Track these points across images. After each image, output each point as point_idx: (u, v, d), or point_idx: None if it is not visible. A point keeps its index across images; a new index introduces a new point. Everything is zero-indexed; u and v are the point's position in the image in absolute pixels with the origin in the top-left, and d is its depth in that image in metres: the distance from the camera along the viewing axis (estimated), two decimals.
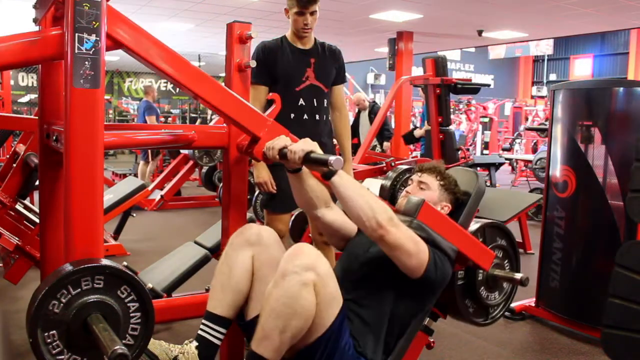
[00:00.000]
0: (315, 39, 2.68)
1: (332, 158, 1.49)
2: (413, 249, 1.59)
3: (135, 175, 7.74)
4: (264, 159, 1.69)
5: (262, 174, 2.59)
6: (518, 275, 1.93)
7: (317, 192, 1.78)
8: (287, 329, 1.44)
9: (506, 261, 2.03)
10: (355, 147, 5.50)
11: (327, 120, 2.73)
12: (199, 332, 1.60)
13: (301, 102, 2.60)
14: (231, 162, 1.81)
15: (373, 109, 6.87)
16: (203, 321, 1.61)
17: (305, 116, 2.61)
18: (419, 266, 1.61)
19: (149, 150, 7.09)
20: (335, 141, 2.87)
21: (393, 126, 9.75)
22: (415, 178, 1.95)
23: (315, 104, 2.63)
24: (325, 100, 2.68)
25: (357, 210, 1.55)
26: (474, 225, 1.96)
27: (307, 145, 1.57)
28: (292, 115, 2.58)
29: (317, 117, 2.64)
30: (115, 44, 1.45)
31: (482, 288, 1.95)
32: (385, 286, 1.69)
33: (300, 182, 1.74)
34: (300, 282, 1.43)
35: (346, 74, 2.87)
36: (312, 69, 2.63)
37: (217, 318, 1.60)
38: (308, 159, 1.56)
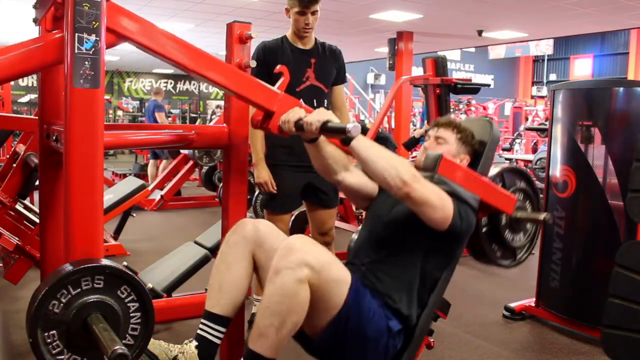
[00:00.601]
0: (315, 39, 2.68)
1: (349, 126, 1.49)
2: (438, 203, 1.61)
3: (136, 175, 7.73)
4: (280, 132, 1.68)
5: (262, 174, 2.58)
6: (541, 215, 1.94)
7: (335, 158, 1.79)
8: (283, 326, 1.45)
9: (527, 202, 2.04)
10: None
11: None
12: (198, 331, 1.60)
13: (301, 102, 2.59)
14: (231, 162, 1.81)
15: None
16: (202, 320, 1.61)
17: None
18: (445, 219, 1.63)
19: (166, 150, 7.06)
20: None
21: (393, 126, 9.76)
22: (432, 133, 1.95)
23: (316, 104, 2.61)
24: (325, 100, 2.68)
25: (381, 171, 1.57)
26: (492, 171, 1.98)
27: (322, 115, 1.57)
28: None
29: None
30: (119, 37, 1.45)
31: (507, 231, 1.97)
32: (412, 242, 1.71)
33: (318, 151, 1.75)
34: (294, 279, 1.44)
35: (346, 74, 2.87)
36: (312, 69, 2.62)
37: (216, 317, 1.61)
38: (325, 129, 1.56)
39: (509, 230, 1.98)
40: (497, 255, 1.99)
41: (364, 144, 1.59)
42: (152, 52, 1.49)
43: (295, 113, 1.63)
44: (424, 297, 1.74)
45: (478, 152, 1.94)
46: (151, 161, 7.75)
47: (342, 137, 1.57)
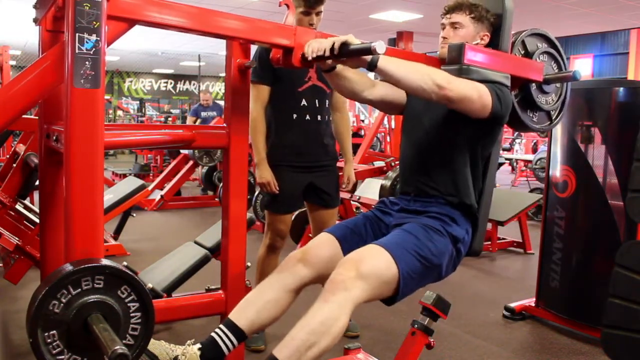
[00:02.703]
0: None
1: (374, 44, 1.46)
2: (475, 95, 1.66)
3: (136, 175, 7.73)
4: (302, 65, 1.65)
5: (264, 174, 2.58)
6: (569, 72, 1.95)
7: (357, 80, 1.82)
8: (314, 346, 1.45)
9: (552, 62, 2.05)
10: None
11: (329, 121, 2.72)
12: (213, 334, 1.59)
13: (303, 102, 2.59)
14: (231, 162, 1.81)
15: None
16: (221, 326, 1.61)
17: (308, 117, 2.60)
18: (485, 107, 1.69)
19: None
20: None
21: (393, 126, 9.74)
22: (446, 21, 1.91)
23: (318, 105, 2.62)
24: (327, 101, 2.67)
25: (416, 83, 1.61)
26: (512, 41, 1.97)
27: (340, 38, 1.55)
28: (295, 116, 2.57)
29: (319, 117, 2.63)
30: (128, 23, 1.45)
31: (539, 95, 1.99)
32: (456, 135, 1.79)
33: (340, 78, 1.77)
34: (342, 309, 1.47)
35: None
36: (314, 69, 2.60)
37: (237, 329, 1.60)
38: (348, 51, 1.53)
39: (540, 93, 1.99)
40: (533, 120, 2.02)
41: (389, 63, 1.59)
42: (161, 25, 1.47)
43: (315, 43, 1.58)
44: (479, 182, 1.86)
45: (495, 25, 1.92)
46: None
47: (367, 62, 1.56)
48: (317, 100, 2.61)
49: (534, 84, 1.97)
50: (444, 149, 1.81)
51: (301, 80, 2.58)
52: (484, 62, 1.77)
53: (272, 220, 2.69)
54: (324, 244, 1.75)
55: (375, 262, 1.58)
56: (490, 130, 1.81)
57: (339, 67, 1.72)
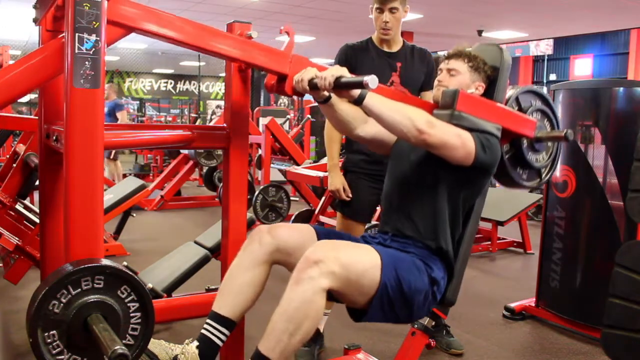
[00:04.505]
0: (404, 41, 2.53)
1: (367, 78, 1.46)
2: (457, 142, 1.65)
3: (136, 175, 7.73)
4: (294, 93, 1.67)
5: (335, 181, 2.46)
6: (561, 132, 1.93)
7: (352, 114, 1.82)
8: (297, 332, 1.45)
9: (545, 121, 2.04)
10: None
11: None
12: (202, 331, 1.60)
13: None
14: (231, 162, 1.81)
15: None
16: (207, 321, 1.61)
17: None
18: (468, 156, 1.67)
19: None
20: None
21: None
22: (444, 66, 1.93)
23: None
24: None
25: (396, 125, 1.60)
26: (507, 95, 1.97)
27: (336, 70, 1.57)
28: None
29: None
30: (125, 29, 1.45)
31: (529, 153, 1.98)
32: (439, 179, 1.75)
33: (334, 110, 1.77)
34: (316, 288, 1.45)
35: None
36: (397, 73, 2.47)
37: (222, 319, 1.60)
38: (340, 84, 1.55)
39: (531, 151, 1.98)
40: (523, 177, 2.01)
41: (374, 101, 1.59)
42: (159, 36, 1.48)
43: (309, 71, 1.62)
44: (459, 230, 1.80)
45: (491, 78, 1.94)
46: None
47: (355, 97, 1.56)
48: None
49: (525, 141, 1.95)
50: (425, 192, 1.77)
51: (383, 84, 2.49)
52: (476, 109, 1.75)
53: (345, 226, 2.50)
54: (299, 227, 1.73)
55: (360, 256, 1.57)
56: (474, 179, 1.78)
57: (335, 99, 1.71)
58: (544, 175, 2.06)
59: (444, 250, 1.73)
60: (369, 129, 1.87)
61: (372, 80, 1.46)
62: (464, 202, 1.79)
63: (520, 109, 1.96)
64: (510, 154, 1.96)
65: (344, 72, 1.57)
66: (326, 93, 1.66)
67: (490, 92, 1.92)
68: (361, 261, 1.55)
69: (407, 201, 1.80)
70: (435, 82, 1.93)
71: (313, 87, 1.60)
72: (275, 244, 1.66)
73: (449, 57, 1.94)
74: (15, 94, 1.46)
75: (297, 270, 1.48)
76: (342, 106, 1.77)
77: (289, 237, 1.68)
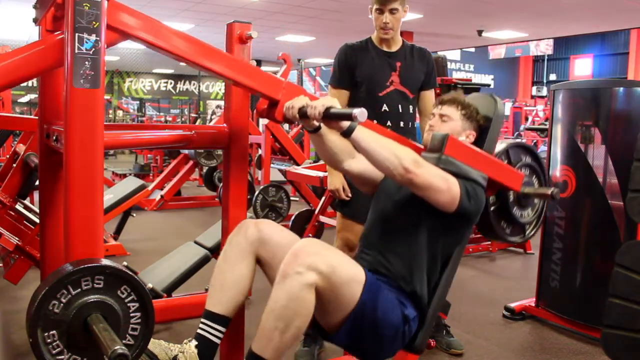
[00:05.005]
0: (403, 40, 2.52)
1: (356, 111, 1.45)
2: (443, 186, 1.62)
3: (136, 175, 7.72)
4: (284, 120, 1.67)
5: (334, 181, 2.45)
6: (548, 190, 1.92)
7: (340, 147, 1.80)
8: (287, 330, 1.45)
9: (534, 177, 2.04)
10: None
11: (413, 127, 2.55)
12: (198, 330, 1.60)
13: (385, 108, 2.44)
14: (231, 162, 1.81)
15: None
16: (202, 320, 1.61)
17: (389, 123, 2.42)
18: (452, 201, 1.65)
19: None
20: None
21: None
22: (436, 111, 1.94)
23: (400, 110, 2.47)
24: (411, 106, 2.51)
25: (382, 161, 1.59)
26: (498, 148, 1.98)
27: (327, 101, 1.57)
28: (375, 122, 2.44)
29: (402, 124, 2.48)
30: (121, 35, 1.45)
31: (515, 208, 1.97)
32: (421, 222, 1.72)
33: (322, 140, 1.76)
34: (302, 284, 1.44)
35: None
36: (397, 73, 2.46)
37: (217, 316, 1.61)
38: (329, 115, 1.54)
39: (517, 206, 1.98)
40: (506, 232, 2.00)
41: (363, 134, 1.59)
42: (154, 46, 1.48)
43: (300, 100, 1.62)
44: (435, 276, 1.76)
45: (483, 127, 1.94)
46: None
47: (344, 127, 1.56)
48: (400, 106, 2.46)
49: (512, 196, 1.94)
50: (405, 235, 1.74)
51: (382, 84, 2.45)
52: (464, 156, 1.73)
53: (344, 226, 2.49)
54: (285, 230, 1.72)
55: (347, 264, 1.56)
56: (456, 227, 1.76)
57: (324, 129, 1.71)
58: (527, 232, 2.05)
59: (417, 294, 1.69)
60: (355, 164, 1.86)
61: (361, 113, 1.45)
62: (443, 249, 1.76)
63: (509, 163, 1.96)
64: (496, 206, 1.95)
65: (334, 103, 1.56)
66: (316, 122, 1.65)
67: (480, 141, 1.92)
68: (347, 269, 1.55)
69: (386, 241, 1.76)
70: (427, 126, 1.95)
71: (303, 115, 1.59)
72: (259, 236, 1.66)
73: (442, 102, 1.95)
74: (6, 82, 1.45)
75: (284, 264, 1.48)
76: (331, 137, 1.75)
77: (272, 233, 1.68)
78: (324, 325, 1.61)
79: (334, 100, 1.57)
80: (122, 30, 1.43)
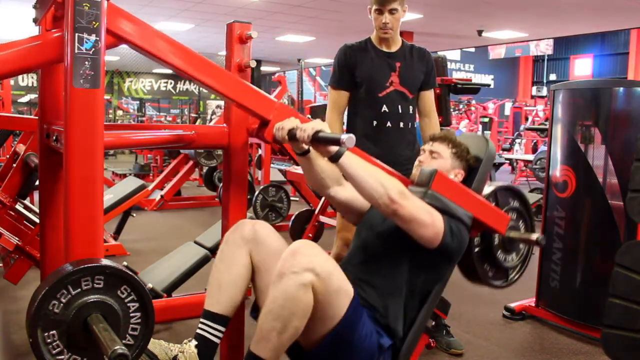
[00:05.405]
0: (403, 41, 2.52)
1: (344, 136, 1.45)
2: (427, 220, 1.60)
3: (136, 175, 7.72)
4: (273, 140, 1.67)
5: None
6: (534, 236, 1.91)
7: (328, 172, 1.79)
8: (285, 330, 1.45)
9: (521, 222, 2.02)
10: None
11: (413, 128, 2.56)
12: (198, 331, 1.60)
13: (384, 108, 2.45)
14: (231, 162, 1.81)
15: None
16: (201, 320, 1.62)
17: (389, 124, 2.45)
18: (435, 236, 1.62)
19: None
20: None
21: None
22: (427, 147, 1.94)
23: (400, 111, 2.47)
24: (410, 106, 2.51)
25: (368, 189, 1.57)
26: (486, 190, 1.96)
27: (317, 124, 1.56)
28: (375, 123, 2.44)
29: (402, 124, 2.48)
30: (118, 39, 1.45)
31: (500, 251, 1.95)
32: (402, 256, 1.70)
33: (310, 164, 1.75)
34: (299, 283, 1.43)
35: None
36: (397, 73, 2.46)
37: (216, 316, 1.61)
38: (318, 138, 1.54)
39: (502, 250, 1.95)
40: (488, 275, 1.97)
41: (351, 161, 1.57)
42: (150, 54, 1.49)
43: (290, 121, 1.62)
44: (413, 312, 1.73)
45: (473, 167, 1.94)
46: None
47: (332, 152, 1.55)
48: (399, 106, 2.46)
49: (497, 239, 1.93)
50: (385, 267, 1.72)
51: (382, 85, 2.45)
52: (451, 193, 1.72)
53: (344, 226, 2.47)
54: (281, 238, 1.72)
55: (341, 274, 1.54)
56: (437, 264, 1.74)
57: (313, 153, 1.70)
58: (511, 277, 2.03)
59: (391, 328, 1.66)
60: (342, 192, 1.84)
61: (349, 139, 1.45)
62: (423, 285, 1.73)
63: (497, 205, 1.94)
64: (480, 248, 1.93)
65: (324, 127, 1.55)
66: (305, 146, 1.64)
67: (469, 181, 1.92)
68: (341, 278, 1.54)
69: (365, 272, 1.73)
70: (416, 162, 1.94)
71: (292, 137, 1.59)
72: (255, 236, 1.66)
73: (433, 139, 1.95)
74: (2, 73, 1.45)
75: (282, 261, 1.47)
76: (320, 162, 1.74)
77: (267, 235, 1.68)
78: (303, 339, 1.56)
79: (324, 124, 1.57)
80: (122, 37, 1.44)
